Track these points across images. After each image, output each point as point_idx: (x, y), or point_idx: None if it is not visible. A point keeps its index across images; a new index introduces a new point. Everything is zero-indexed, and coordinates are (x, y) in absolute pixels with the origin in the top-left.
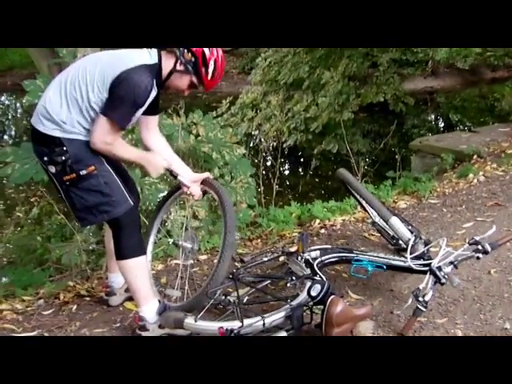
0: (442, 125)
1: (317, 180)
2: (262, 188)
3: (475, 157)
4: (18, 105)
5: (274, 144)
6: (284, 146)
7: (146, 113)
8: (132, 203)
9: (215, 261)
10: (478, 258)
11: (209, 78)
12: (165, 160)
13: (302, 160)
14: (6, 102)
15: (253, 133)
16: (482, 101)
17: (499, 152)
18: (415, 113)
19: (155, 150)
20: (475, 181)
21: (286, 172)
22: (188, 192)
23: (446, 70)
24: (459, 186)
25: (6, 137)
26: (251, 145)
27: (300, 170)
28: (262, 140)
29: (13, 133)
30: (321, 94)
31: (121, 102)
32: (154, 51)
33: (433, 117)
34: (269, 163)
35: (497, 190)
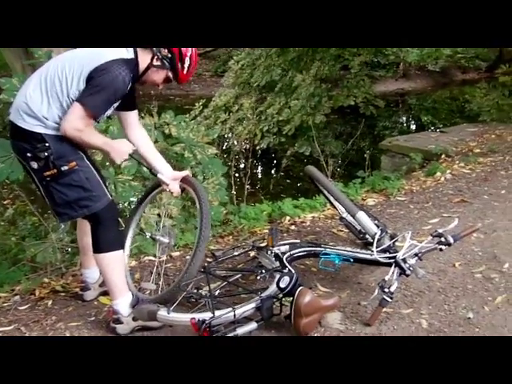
0: (414, 126)
1: (288, 181)
2: (235, 188)
3: (443, 156)
4: None
5: (247, 146)
6: (257, 148)
7: (124, 108)
8: (110, 198)
9: (188, 257)
10: (440, 249)
11: (184, 72)
12: (130, 146)
13: (275, 162)
14: None
15: (226, 135)
16: (453, 102)
17: (467, 151)
18: (386, 115)
19: (137, 145)
20: (442, 179)
21: (259, 174)
22: (167, 189)
23: (417, 72)
24: (427, 183)
25: None
26: (224, 147)
27: (273, 171)
28: (236, 142)
29: None
30: (293, 97)
31: (97, 90)
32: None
33: (404, 118)
34: (242, 165)
35: (463, 188)
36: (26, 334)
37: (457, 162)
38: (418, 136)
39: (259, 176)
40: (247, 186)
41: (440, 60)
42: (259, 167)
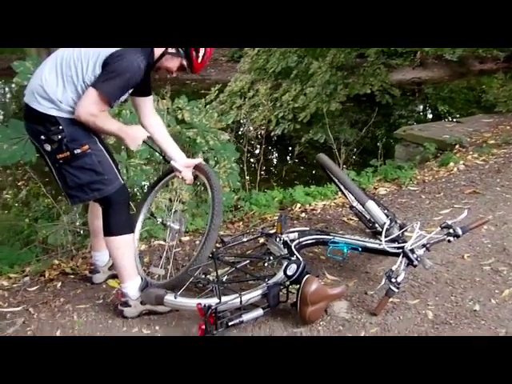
0: (430, 116)
1: (302, 168)
2: (247, 173)
3: (457, 146)
4: (6, 89)
5: (262, 132)
6: (272, 134)
7: (139, 94)
8: (122, 182)
9: (197, 242)
10: (449, 241)
11: (199, 61)
12: (144, 132)
13: (289, 148)
14: None
15: (241, 121)
16: (470, 92)
17: (481, 142)
18: (403, 103)
19: (151, 131)
20: (455, 169)
21: (274, 160)
22: (180, 176)
23: (435, 61)
24: (439, 174)
25: None
26: (239, 132)
27: (288, 158)
28: (251, 128)
29: (1, 117)
30: (309, 84)
31: (112, 76)
32: None
33: (421, 108)
34: (257, 151)
35: (475, 179)
36: (35, 316)
37: (470, 152)
38: (433, 126)
39: (274, 162)
40: (261, 172)
41: (457, 49)
42: (274, 153)
